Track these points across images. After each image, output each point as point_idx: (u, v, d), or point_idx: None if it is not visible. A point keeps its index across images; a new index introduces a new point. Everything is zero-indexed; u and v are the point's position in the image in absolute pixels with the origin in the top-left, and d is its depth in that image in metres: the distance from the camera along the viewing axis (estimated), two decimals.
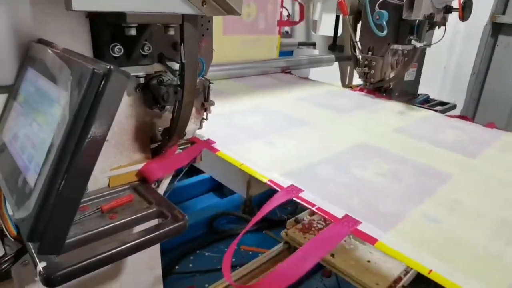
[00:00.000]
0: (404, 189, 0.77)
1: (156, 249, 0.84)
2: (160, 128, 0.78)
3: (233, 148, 0.86)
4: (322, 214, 0.67)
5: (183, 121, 0.71)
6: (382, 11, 1.22)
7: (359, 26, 1.51)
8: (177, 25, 0.63)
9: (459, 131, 1.15)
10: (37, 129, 0.47)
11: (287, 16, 2.01)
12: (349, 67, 1.94)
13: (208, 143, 0.86)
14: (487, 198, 0.78)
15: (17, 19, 0.56)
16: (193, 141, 0.86)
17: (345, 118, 1.16)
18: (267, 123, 1.06)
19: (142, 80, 0.71)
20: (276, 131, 1.00)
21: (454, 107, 1.53)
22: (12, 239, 0.60)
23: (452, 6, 1.27)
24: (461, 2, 1.21)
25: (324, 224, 1.71)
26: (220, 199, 2.28)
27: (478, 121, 1.33)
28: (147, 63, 0.69)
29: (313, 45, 1.99)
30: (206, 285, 1.54)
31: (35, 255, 0.55)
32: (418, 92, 1.61)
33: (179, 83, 0.69)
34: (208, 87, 0.82)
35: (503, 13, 2.04)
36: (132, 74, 0.69)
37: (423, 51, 1.49)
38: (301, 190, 0.72)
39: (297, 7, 1.91)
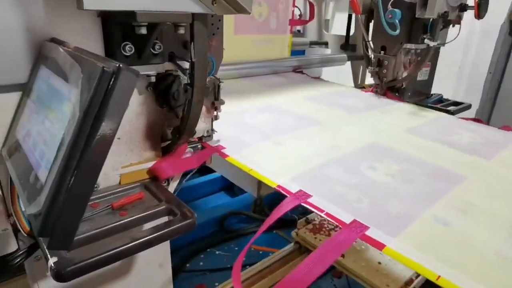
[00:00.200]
0: (414, 191, 0.76)
1: (166, 246, 0.85)
2: (170, 127, 0.79)
3: (242, 151, 0.86)
4: (330, 219, 0.66)
5: (193, 119, 0.72)
6: (395, 9, 1.21)
7: (371, 25, 1.49)
8: (187, 24, 0.63)
9: (472, 133, 1.12)
10: (48, 126, 0.47)
11: (299, 15, 2.00)
12: (361, 67, 1.92)
13: (218, 149, 0.86)
14: (502, 200, 0.75)
15: (31, 19, 0.57)
16: (203, 143, 0.86)
17: (356, 118, 1.15)
18: (277, 122, 1.05)
19: (153, 79, 0.71)
20: (286, 131, 1.00)
21: (469, 107, 1.50)
22: (25, 235, 0.61)
23: (467, 4, 1.25)
24: (476, 0, 1.19)
25: (335, 224, 1.70)
26: (231, 198, 2.28)
27: (494, 121, 1.31)
28: (158, 62, 0.70)
29: (325, 44, 1.98)
30: (216, 284, 1.54)
31: (46, 250, 0.56)
32: (432, 92, 1.59)
33: (189, 81, 0.69)
34: (218, 86, 0.82)
35: None
36: (143, 73, 0.70)
37: (437, 50, 1.46)
38: (309, 196, 0.71)
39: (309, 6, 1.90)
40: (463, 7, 1.24)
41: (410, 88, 1.47)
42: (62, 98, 0.47)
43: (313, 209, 0.68)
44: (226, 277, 1.50)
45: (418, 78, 1.48)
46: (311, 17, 1.86)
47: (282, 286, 0.58)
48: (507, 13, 1.99)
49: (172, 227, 0.62)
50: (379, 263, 1.50)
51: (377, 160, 0.87)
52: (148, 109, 0.74)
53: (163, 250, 0.84)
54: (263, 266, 1.56)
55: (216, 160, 1.79)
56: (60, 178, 0.40)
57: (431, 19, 1.24)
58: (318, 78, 1.59)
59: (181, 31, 0.65)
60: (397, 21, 1.22)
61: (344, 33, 1.89)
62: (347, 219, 0.64)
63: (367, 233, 0.62)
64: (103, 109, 0.41)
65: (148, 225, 0.66)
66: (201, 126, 0.83)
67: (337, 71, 1.87)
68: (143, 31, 0.60)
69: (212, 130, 0.87)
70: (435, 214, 0.68)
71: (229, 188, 2.34)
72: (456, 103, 1.49)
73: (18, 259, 0.61)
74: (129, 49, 0.64)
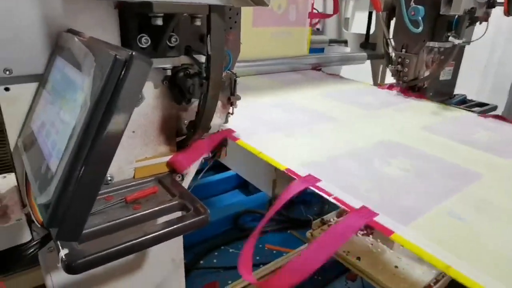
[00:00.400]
0: (428, 186, 0.73)
1: (179, 242, 0.84)
2: (185, 122, 0.78)
3: (254, 138, 0.85)
4: (338, 203, 0.64)
5: (208, 114, 0.70)
6: (418, 6, 1.16)
7: (392, 23, 1.44)
8: (204, 16, 0.62)
9: (491, 132, 1.07)
10: (61, 116, 0.47)
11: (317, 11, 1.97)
12: (381, 66, 1.87)
13: (228, 132, 0.84)
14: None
15: (48, 10, 0.57)
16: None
17: (372, 115, 1.12)
18: (292, 118, 1.03)
19: (169, 73, 0.70)
20: (300, 125, 0.98)
21: (494, 108, 1.43)
22: (39, 225, 0.61)
23: (496, 0, 1.19)
24: None
25: None
26: (246, 196, 2.27)
27: None
28: (174, 55, 0.69)
29: (345, 42, 1.94)
30: (230, 282, 1.53)
31: (58, 242, 0.55)
32: (455, 92, 1.53)
33: (205, 75, 0.68)
34: (235, 81, 0.81)
35: None
36: (159, 66, 0.69)
37: (461, 48, 1.40)
38: (318, 180, 0.69)
39: (328, 2, 1.87)
40: (492, 4, 1.19)
41: (432, 88, 1.41)
42: (75, 87, 0.46)
43: (321, 193, 0.66)
44: (239, 275, 1.49)
45: (441, 78, 1.43)
46: (335, 10, 1.81)
47: (287, 270, 0.56)
48: None
49: (185, 223, 0.61)
50: (396, 267, 1.45)
51: (392, 156, 0.84)
52: (163, 103, 0.73)
53: (176, 245, 0.83)
54: (276, 266, 1.53)
55: (231, 158, 1.77)
56: (70, 168, 0.39)
57: (456, 16, 1.19)
58: (336, 76, 1.55)
59: (198, 22, 0.64)
60: (420, 18, 1.17)
61: (364, 31, 1.85)
62: (357, 205, 0.62)
63: (376, 219, 0.59)
64: (115, 98, 0.40)
65: (161, 220, 0.65)
66: (216, 121, 0.82)
67: (356, 70, 1.82)
68: (159, 22, 0.59)
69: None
70: (449, 208, 0.65)
71: (244, 186, 2.32)
72: (481, 104, 1.43)
73: (31, 250, 0.60)
74: (145, 41, 0.63)
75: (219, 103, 0.81)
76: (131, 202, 0.68)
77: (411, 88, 1.40)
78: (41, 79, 0.59)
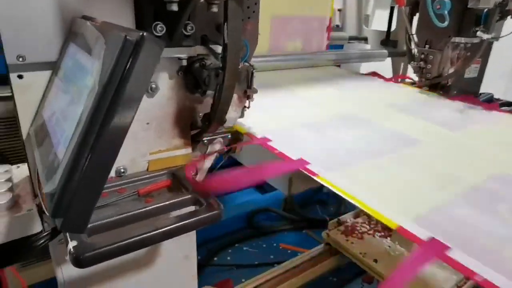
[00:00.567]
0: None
1: (192, 238, 0.81)
2: (200, 114, 0.75)
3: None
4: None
5: (223, 106, 0.67)
6: None
7: (415, 18, 1.38)
8: (221, 2, 0.59)
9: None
10: (71, 102, 0.44)
11: (338, 10, 1.92)
12: (402, 64, 1.80)
13: (264, 141, 0.79)
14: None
15: None
16: (234, 131, 0.82)
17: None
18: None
19: (184, 63, 0.68)
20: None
21: None
22: (50, 216, 0.59)
23: None
24: None
25: (368, 227, 1.60)
26: (261, 194, 2.24)
27: None
28: (189, 44, 0.66)
29: (365, 39, 1.88)
30: (243, 280, 1.50)
31: (67, 233, 0.53)
32: (481, 91, 1.45)
33: (221, 65, 0.65)
34: (252, 73, 0.77)
35: None
36: (174, 55, 0.66)
37: (489, 44, 1.33)
38: (447, 247, 0.49)
39: None
40: None
41: (456, 86, 1.35)
42: (85, 72, 0.43)
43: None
44: (253, 273, 1.46)
45: (466, 75, 1.36)
46: None
47: None
48: None
49: (197, 218, 0.58)
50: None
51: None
52: (178, 94, 0.71)
53: (189, 241, 0.81)
54: (291, 266, 1.50)
55: (246, 155, 1.74)
56: (75, 156, 0.37)
57: (485, 10, 1.12)
58: (356, 73, 1.50)
59: (214, 9, 0.61)
60: (446, 12, 1.12)
61: (385, 28, 1.78)
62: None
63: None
64: (125, 82, 0.37)
65: (173, 214, 0.63)
66: (232, 115, 0.78)
67: (376, 67, 1.76)
68: (175, 7, 0.57)
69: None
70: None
71: (259, 184, 2.29)
72: (509, 103, 1.36)
73: (42, 241, 0.59)
74: (160, 29, 0.61)
75: (235, 96, 0.77)
76: (144, 195, 0.66)
77: (434, 85, 1.34)
78: (54, 67, 0.57)
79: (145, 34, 0.37)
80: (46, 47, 0.56)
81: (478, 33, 1.15)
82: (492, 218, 0.58)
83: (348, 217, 1.65)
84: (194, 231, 0.79)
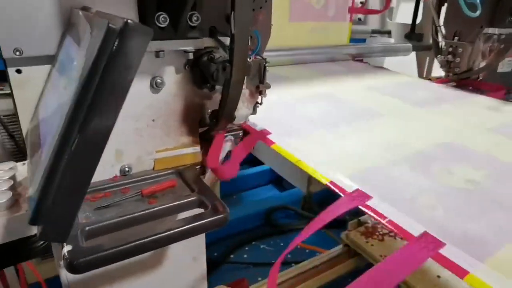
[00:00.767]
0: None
1: (201, 239, 0.77)
2: (209, 111, 0.70)
3: (291, 140, 0.74)
4: (394, 229, 0.51)
5: (231, 102, 0.62)
6: None
7: (443, 9, 1.28)
8: None
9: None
10: (59, 98, 0.40)
11: (360, 3, 1.82)
12: (427, 58, 1.69)
13: (263, 134, 0.75)
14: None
15: None
16: (245, 129, 0.76)
17: (425, 113, 0.97)
18: (333, 113, 0.92)
19: (191, 56, 0.63)
20: (342, 123, 0.85)
21: None
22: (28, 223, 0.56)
23: None
24: None
25: (390, 228, 1.52)
26: (279, 192, 2.18)
27: None
28: (195, 35, 0.61)
29: (388, 33, 1.77)
30: (259, 279, 1.45)
31: None
32: None
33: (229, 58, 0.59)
34: (264, 67, 0.71)
35: None
36: (180, 48, 0.61)
37: None
38: (369, 197, 0.56)
39: None
40: None
41: (488, 81, 1.24)
42: (73, 65, 0.39)
43: (373, 215, 0.53)
44: (269, 272, 1.40)
45: (499, 70, 1.25)
46: (387, 5, 1.64)
47: None
48: None
49: (200, 222, 0.53)
50: (439, 276, 1.30)
51: (454, 162, 0.71)
52: (185, 89, 0.66)
53: (198, 243, 0.76)
54: (309, 266, 1.44)
55: (265, 152, 1.68)
56: (55, 157, 0.33)
57: None
58: (379, 67, 1.41)
59: None
60: (478, 0, 1.01)
61: (409, 21, 1.67)
62: (417, 231, 0.50)
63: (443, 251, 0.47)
64: (107, 72, 0.32)
65: (176, 217, 0.58)
66: (243, 112, 0.73)
67: (400, 62, 1.66)
68: None
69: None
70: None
71: (278, 181, 2.23)
72: None
73: (42, 242, 0.56)
74: (163, 19, 0.56)
75: (247, 92, 0.72)
76: (147, 195, 0.61)
77: (463, 81, 1.24)
78: (53, 61, 0.54)
79: (129, 21, 0.32)
80: (43, 40, 0.53)
81: None
82: (420, 174, 0.65)
83: (368, 218, 1.57)
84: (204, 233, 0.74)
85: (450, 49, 1.20)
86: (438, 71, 1.53)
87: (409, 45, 1.58)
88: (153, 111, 0.64)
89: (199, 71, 0.65)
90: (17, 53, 0.51)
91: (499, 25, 1.10)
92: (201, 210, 0.58)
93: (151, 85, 0.62)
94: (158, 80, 0.62)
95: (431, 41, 1.62)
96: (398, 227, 0.51)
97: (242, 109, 0.72)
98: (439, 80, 1.31)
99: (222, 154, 0.74)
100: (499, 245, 0.49)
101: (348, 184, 0.60)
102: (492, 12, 1.09)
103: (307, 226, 0.55)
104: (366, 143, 0.76)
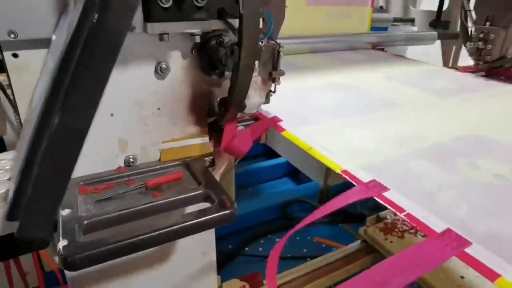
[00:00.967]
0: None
1: (210, 234, 0.73)
2: (218, 100, 0.65)
3: (304, 129, 0.69)
4: (413, 223, 0.47)
5: (241, 88, 0.56)
6: None
7: None
8: None
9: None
10: (46, 83, 0.36)
11: None
12: (454, 47, 1.58)
13: (274, 121, 0.70)
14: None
15: None
16: (257, 117, 0.71)
17: (449, 103, 0.89)
18: (349, 103, 0.85)
19: (198, 40, 0.58)
20: (358, 113, 0.79)
21: None
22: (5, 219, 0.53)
23: None
24: None
25: (410, 226, 1.44)
26: (296, 185, 2.12)
27: None
28: (203, 17, 0.55)
29: (411, 21, 1.67)
30: None
31: (60, 229, 0.46)
32: None
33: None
34: (278, 52, 0.66)
35: None
36: (186, 31, 0.56)
37: None
38: (385, 189, 0.52)
39: None
40: None
41: None
42: (59, 44, 0.35)
43: (389, 207, 0.49)
44: (284, 266, 1.36)
45: None
46: None
47: None
48: None
49: (204, 218, 0.49)
50: (462, 277, 1.22)
51: (479, 155, 0.64)
52: (193, 76, 0.61)
53: (207, 237, 0.72)
54: (325, 262, 1.38)
55: (281, 144, 1.62)
56: (33, 143, 0.28)
57: None
58: (401, 56, 1.32)
59: None
60: None
61: (435, 8, 1.57)
62: (439, 227, 0.45)
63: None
64: (88, 50, 0.27)
65: (181, 211, 0.54)
66: (255, 100, 0.68)
67: (424, 52, 1.56)
68: None
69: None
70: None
71: (294, 174, 2.17)
72: None
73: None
74: None
75: (259, 79, 0.66)
76: (152, 188, 0.57)
77: (495, 69, 1.13)
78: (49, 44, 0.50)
79: None
80: (40, 22, 0.49)
81: None
82: (442, 167, 0.59)
83: (388, 213, 1.49)
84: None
85: (481, 35, 1.10)
86: (465, 61, 1.42)
87: (434, 33, 1.48)
88: (158, 98, 0.60)
89: (207, 56, 0.60)
90: (12, 35, 0.47)
91: None
92: (207, 205, 0.54)
93: (156, 71, 0.58)
94: (163, 66, 0.57)
95: (458, 28, 1.51)
96: (418, 222, 0.46)
97: (253, 98, 0.66)
98: (466, 69, 1.21)
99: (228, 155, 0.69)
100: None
101: (363, 174, 0.55)
102: None
103: (316, 210, 0.50)
104: (383, 134, 0.70)
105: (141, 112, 0.59)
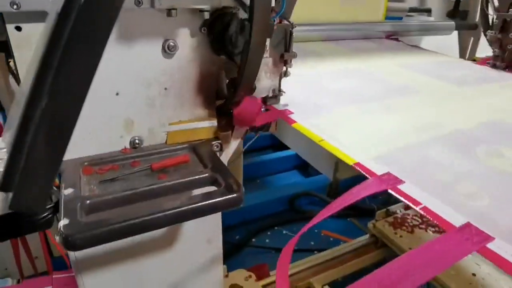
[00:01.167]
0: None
1: (216, 220, 0.70)
2: (227, 81, 0.62)
3: (315, 118, 0.66)
4: (430, 217, 0.44)
5: (251, 68, 0.54)
6: None
7: None
8: None
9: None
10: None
11: None
12: (471, 38, 1.52)
13: (284, 113, 0.67)
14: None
15: None
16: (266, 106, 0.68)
17: (468, 92, 0.85)
18: (363, 90, 0.82)
19: (207, 16, 0.55)
20: (372, 100, 0.76)
21: None
22: (55, 188, 0.51)
23: None
24: None
25: (420, 220, 1.40)
26: (304, 178, 2.09)
27: None
28: None
29: (427, 11, 1.61)
30: None
31: (62, 209, 0.45)
32: None
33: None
34: (291, 33, 0.63)
35: None
36: (194, 6, 0.54)
37: None
38: (400, 181, 0.49)
39: None
40: None
41: None
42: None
43: (405, 200, 0.46)
44: (292, 259, 1.33)
45: None
46: None
47: None
48: None
49: (211, 201, 0.46)
50: (474, 274, 1.18)
51: (501, 143, 0.60)
52: (201, 55, 0.59)
53: (213, 224, 0.70)
54: (333, 255, 1.35)
55: (290, 136, 1.59)
56: (26, 110, 0.26)
57: None
58: (415, 46, 1.27)
59: None
60: None
61: None
62: (457, 221, 0.42)
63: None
64: (77, 28, 0.25)
65: (187, 194, 0.52)
66: (265, 83, 0.65)
67: (438, 44, 1.50)
68: None
69: (280, 90, 0.68)
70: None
71: (303, 167, 2.14)
72: None
73: (45, 213, 0.51)
74: None
75: (270, 61, 0.64)
76: (157, 170, 0.55)
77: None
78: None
79: None
80: None
81: None
82: (461, 157, 0.56)
83: (398, 208, 1.46)
84: (219, 213, 0.68)
85: (503, 24, 1.05)
86: (483, 53, 1.37)
87: (452, 23, 1.42)
88: (165, 78, 0.57)
89: (216, 35, 0.57)
90: (15, 6, 0.45)
91: None
92: (214, 188, 0.52)
93: (163, 49, 0.55)
94: (171, 44, 0.55)
95: (477, 19, 1.45)
96: (435, 215, 0.43)
97: (264, 80, 0.64)
98: (485, 59, 1.16)
99: (235, 143, 0.66)
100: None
101: (377, 166, 0.52)
102: None
103: (327, 206, 0.47)
104: (397, 122, 0.67)
105: (147, 92, 0.57)
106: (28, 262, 1.15)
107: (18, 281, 1.15)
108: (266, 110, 0.68)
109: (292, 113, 0.68)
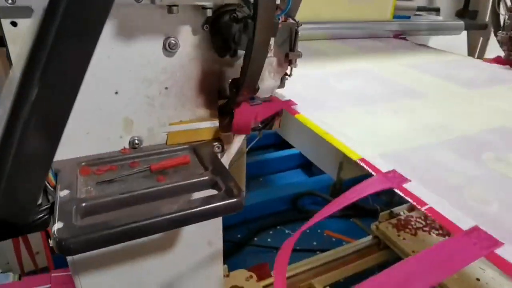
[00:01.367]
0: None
1: (217, 223, 0.69)
2: (230, 80, 0.60)
3: (319, 113, 0.64)
4: (436, 218, 0.42)
5: (254, 68, 0.52)
6: None
7: None
8: None
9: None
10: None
11: None
12: (481, 39, 1.48)
13: (288, 103, 0.65)
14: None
15: None
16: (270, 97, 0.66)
17: (477, 94, 0.82)
18: (369, 90, 0.79)
19: (210, 13, 0.53)
20: (378, 101, 0.73)
21: None
22: (52, 188, 0.50)
23: None
24: None
25: (424, 223, 1.38)
26: (308, 177, 2.07)
27: None
28: None
29: (436, 10, 1.57)
30: None
31: (57, 211, 0.43)
32: None
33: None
34: (296, 32, 0.60)
35: None
36: (196, 3, 0.52)
37: None
38: (406, 180, 0.47)
39: None
40: None
41: None
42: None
43: (410, 200, 0.44)
44: (293, 259, 1.32)
45: None
46: None
47: None
48: None
49: (209, 206, 0.45)
50: (478, 279, 1.15)
51: (508, 149, 0.57)
52: (204, 54, 0.57)
53: (214, 226, 0.68)
54: (336, 256, 1.33)
55: (294, 134, 1.56)
56: (11, 114, 0.24)
57: None
58: (423, 45, 1.24)
59: None
60: None
61: None
62: (465, 224, 0.40)
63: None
64: (66, 22, 0.23)
65: (186, 197, 0.50)
66: (269, 83, 0.63)
67: (446, 44, 1.47)
68: None
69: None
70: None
71: (307, 166, 2.12)
72: None
73: (41, 214, 0.49)
74: None
75: (274, 61, 0.61)
76: (156, 172, 0.53)
77: None
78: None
79: None
80: None
81: None
82: (469, 161, 0.53)
83: (402, 210, 1.43)
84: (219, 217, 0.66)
85: None
86: (492, 54, 1.33)
87: (461, 22, 1.39)
88: (166, 77, 0.56)
89: (219, 33, 0.55)
90: (9, 1, 0.44)
91: None
92: (214, 192, 0.50)
93: (164, 47, 0.53)
94: (172, 41, 0.53)
95: (487, 18, 1.42)
96: (442, 217, 0.41)
97: (267, 80, 0.61)
98: (495, 59, 1.12)
99: (237, 143, 0.64)
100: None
101: (382, 163, 0.49)
102: None
103: (331, 202, 0.45)
104: (404, 123, 0.64)
105: (147, 91, 0.55)
106: (28, 257, 1.14)
107: (19, 277, 1.15)
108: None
109: (296, 104, 0.66)
